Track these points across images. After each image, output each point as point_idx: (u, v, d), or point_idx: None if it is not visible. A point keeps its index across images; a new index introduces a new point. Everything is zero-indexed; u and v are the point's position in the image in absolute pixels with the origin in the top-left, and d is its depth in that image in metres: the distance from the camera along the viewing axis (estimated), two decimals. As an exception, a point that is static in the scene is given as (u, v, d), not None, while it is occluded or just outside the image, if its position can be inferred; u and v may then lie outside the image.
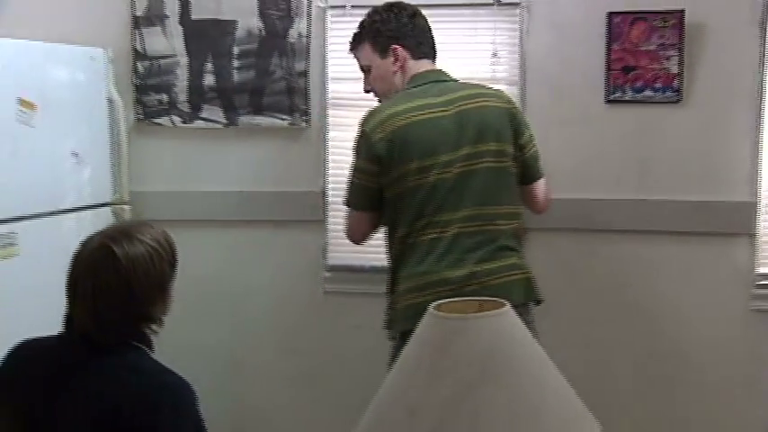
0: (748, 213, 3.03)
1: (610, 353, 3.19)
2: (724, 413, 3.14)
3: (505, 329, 1.64)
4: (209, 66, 3.36)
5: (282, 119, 3.33)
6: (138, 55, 3.40)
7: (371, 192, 2.62)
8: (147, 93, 3.41)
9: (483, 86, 2.75)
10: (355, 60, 3.19)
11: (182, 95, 3.39)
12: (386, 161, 2.53)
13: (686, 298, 3.12)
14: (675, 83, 3.01)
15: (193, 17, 3.36)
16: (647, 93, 3.04)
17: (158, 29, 3.38)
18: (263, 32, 3.31)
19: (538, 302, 2.67)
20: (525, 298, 2.61)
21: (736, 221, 3.04)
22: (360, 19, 3.18)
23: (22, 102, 2.80)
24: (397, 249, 2.61)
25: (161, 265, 1.78)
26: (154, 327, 1.82)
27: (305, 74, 3.30)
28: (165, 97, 3.41)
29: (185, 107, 3.39)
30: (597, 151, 3.13)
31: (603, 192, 3.13)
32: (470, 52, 3.13)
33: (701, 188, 3.06)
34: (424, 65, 2.67)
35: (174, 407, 1.71)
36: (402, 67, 2.66)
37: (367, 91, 2.78)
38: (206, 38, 3.36)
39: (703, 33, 3.00)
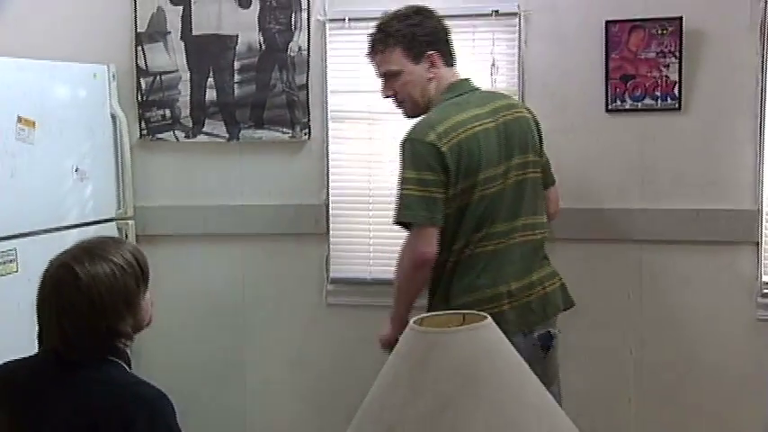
0: (751, 221, 2.99)
1: (613, 362, 3.17)
2: (730, 421, 3.10)
3: (485, 343, 1.62)
4: (210, 80, 3.38)
5: (284, 132, 3.34)
6: (141, 71, 3.42)
7: (438, 203, 2.44)
8: (150, 108, 3.44)
9: (506, 95, 2.74)
10: (354, 74, 3.24)
11: (184, 110, 3.41)
12: (453, 173, 2.42)
13: (690, 307, 3.09)
14: (675, 90, 2.99)
15: (194, 33, 3.38)
16: (647, 101, 3.02)
17: (160, 45, 3.41)
18: (264, 46, 3.33)
19: (570, 307, 2.69)
20: (566, 303, 2.66)
21: (740, 230, 3.00)
22: (360, 32, 3.21)
23: (22, 120, 2.83)
24: (453, 262, 2.50)
25: (126, 281, 1.79)
26: (125, 341, 1.82)
27: (305, 87, 3.31)
28: (167, 112, 3.43)
29: (188, 122, 3.41)
30: (598, 160, 3.11)
31: (605, 201, 3.11)
32: (469, 63, 3.11)
33: (703, 196, 3.03)
34: (454, 73, 2.63)
35: (149, 419, 1.71)
36: (436, 75, 2.58)
37: (387, 96, 2.66)
38: (207, 53, 3.38)
39: (702, 40, 2.97)
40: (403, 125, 3.17)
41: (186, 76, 3.39)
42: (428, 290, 2.55)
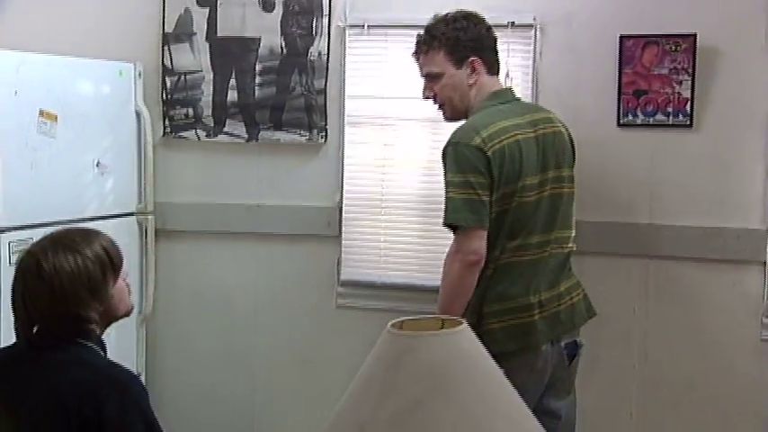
0: (759, 241, 2.98)
1: (616, 376, 3.17)
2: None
3: (458, 348, 1.65)
4: (232, 82, 3.46)
5: (301, 135, 3.40)
6: (167, 70, 3.51)
7: (485, 205, 2.45)
8: (174, 107, 3.52)
9: (545, 109, 2.77)
10: (372, 80, 3.30)
11: (206, 110, 3.49)
12: (497, 177, 2.44)
13: (695, 324, 3.08)
14: (687, 107, 2.99)
15: (219, 35, 3.46)
16: (659, 117, 3.02)
17: (186, 45, 3.49)
18: (285, 50, 3.39)
19: (593, 316, 2.74)
20: (590, 313, 2.72)
21: (747, 249, 2.99)
22: (378, 38, 3.28)
23: (44, 113, 2.92)
24: (491, 269, 2.51)
25: (90, 270, 1.86)
26: (92, 326, 1.89)
27: (323, 91, 3.36)
28: (190, 111, 3.51)
29: (209, 121, 3.49)
30: (608, 174, 3.11)
31: (614, 215, 3.12)
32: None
33: (712, 214, 3.02)
34: (496, 81, 2.67)
35: (120, 399, 1.78)
36: (477, 81, 2.61)
37: (426, 98, 2.69)
38: (230, 54, 3.45)
39: (716, 58, 2.97)
40: (418, 131, 3.26)
41: (209, 76, 3.47)
42: None
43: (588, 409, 3.13)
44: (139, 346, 3.50)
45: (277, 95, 3.41)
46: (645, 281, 3.11)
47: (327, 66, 3.35)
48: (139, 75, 3.44)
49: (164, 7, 3.48)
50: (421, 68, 2.67)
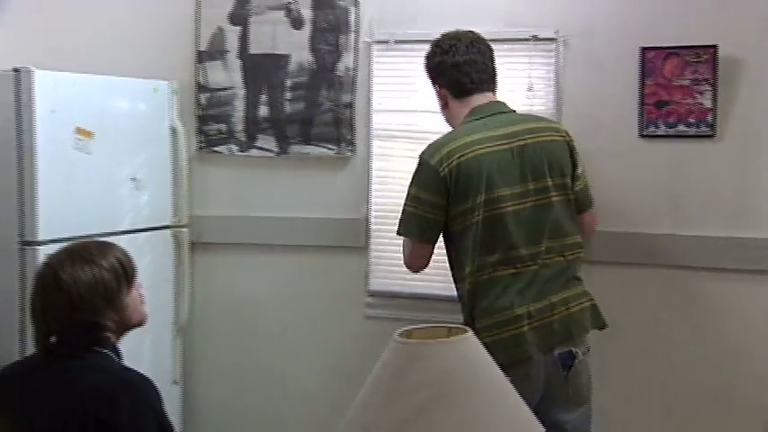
0: (783, 251, 2.97)
1: (642, 388, 3.17)
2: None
3: (462, 356, 1.69)
4: (263, 97, 3.55)
5: (330, 148, 3.47)
6: (201, 87, 3.61)
7: (429, 222, 2.65)
8: (208, 122, 3.62)
9: (542, 119, 2.84)
10: (398, 94, 3.37)
11: (239, 125, 3.58)
12: (452, 194, 2.58)
13: (719, 335, 3.07)
14: (709, 117, 2.99)
15: (251, 52, 3.55)
16: (681, 127, 3.03)
17: (219, 63, 3.59)
18: (314, 66, 3.47)
19: (602, 328, 2.73)
20: (595, 324, 2.72)
21: (770, 259, 2.98)
22: (403, 53, 3.35)
23: (80, 130, 3.04)
24: (470, 285, 2.62)
25: (106, 280, 1.95)
26: (108, 334, 1.97)
27: (351, 105, 3.44)
28: (223, 127, 3.61)
29: (242, 136, 3.58)
30: (631, 185, 3.13)
31: (636, 226, 3.13)
32: (507, 85, 3.18)
33: (735, 224, 3.01)
34: (477, 99, 2.73)
35: (134, 401, 1.86)
36: (446, 105, 2.78)
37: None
38: (262, 71, 3.54)
39: (737, 68, 2.97)
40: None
41: (242, 92, 3.57)
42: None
43: (613, 420, 3.15)
44: (175, 355, 3.59)
45: (306, 110, 3.49)
46: (668, 291, 3.11)
47: (355, 81, 3.43)
48: (174, 92, 3.55)
49: (198, 26, 3.59)
50: None
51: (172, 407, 3.49)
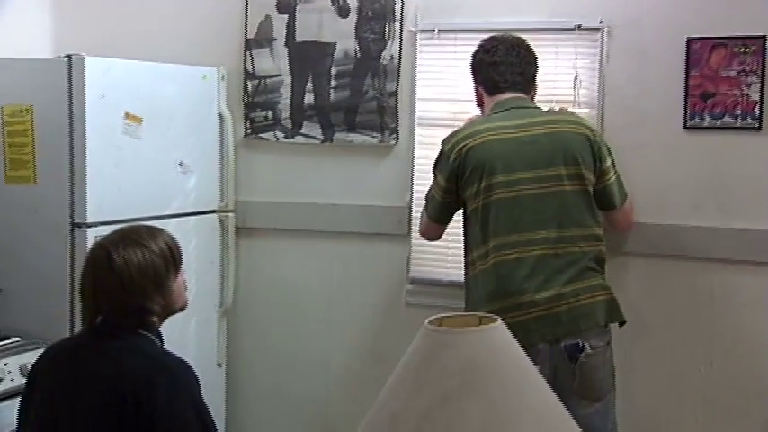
0: (829, 246, 2.92)
1: (683, 382, 3.15)
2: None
3: (490, 345, 1.70)
4: (309, 85, 3.58)
5: (373, 136, 3.50)
6: (248, 74, 3.66)
7: (440, 206, 2.88)
8: (255, 109, 3.67)
9: (566, 113, 2.90)
10: (441, 83, 3.39)
11: (284, 112, 3.62)
12: (460, 180, 2.75)
13: (762, 329, 3.03)
14: (756, 110, 2.95)
15: (297, 40, 3.59)
16: (727, 119, 2.99)
17: (266, 50, 3.64)
18: (359, 54, 3.50)
19: (621, 323, 2.75)
20: (609, 318, 2.72)
21: (816, 253, 2.94)
22: (447, 43, 3.36)
23: (128, 116, 3.11)
24: (476, 269, 2.74)
25: (156, 264, 2.00)
26: (154, 318, 2.03)
27: (395, 94, 3.46)
28: (270, 114, 3.66)
29: (287, 123, 3.63)
30: (675, 177, 3.10)
31: (680, 218, 3.10)
32: (552, 75, 3.18)
33: (780, 217, 2.98)
34: (505, 96, 2.85)
35: (171, 385, 1.91)
36: (480, 102, 2.94)
37: None
38: (308, 59, 3.57)
39: (785, 60, 2.93)
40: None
41: (288, 80, 3.61)
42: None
43: (653, 411, 3.14)
44: (220, 338, 3.66)
45: (351, 98, 3.52)
46: (710, 285, 3.08)
47: (399, 69, 3.45)
48: (222, 78, 3.61)
49: (246, 14, 3.63)
50: None
51: (216, 389, 3.58)
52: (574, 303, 2.63)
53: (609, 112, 3.14)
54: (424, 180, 3.42)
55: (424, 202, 3.36)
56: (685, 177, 3.09)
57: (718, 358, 3.10)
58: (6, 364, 2.77)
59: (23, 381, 2.66)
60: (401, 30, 3.43)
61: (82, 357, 2.00)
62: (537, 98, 2.98)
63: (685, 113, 3.04)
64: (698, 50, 3.00)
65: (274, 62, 3.63)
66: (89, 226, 3.01)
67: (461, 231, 3.29)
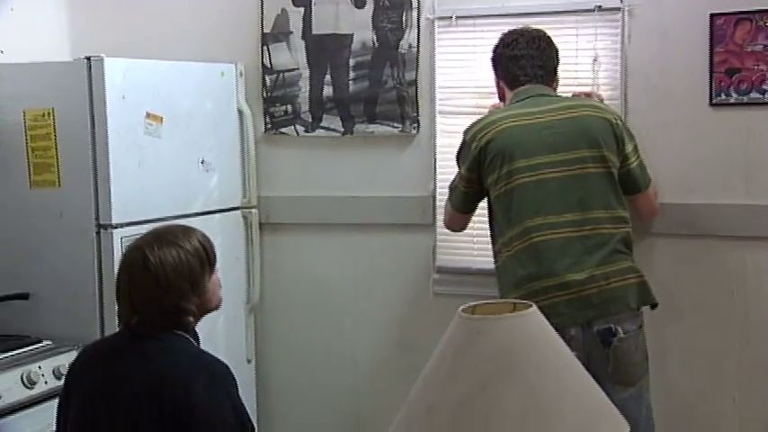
0: None
1: (714, 361, 3.12)
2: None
3: (525, 331, 1.69)
4: (327, 77, 3.56)
5: (394, 126, 3.48)
6: (266, 69, 3.64)
7: (464, 196, 2.89)
8: (274, 104, 3.66)
9: (587, 100, 2.90)
10: (461, 70, 3.36)
11: (304, 106, 3.61)
12: (482, 168, 2.76)
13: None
14: (783, 84, 2.91)
15: (314, 32, 3.57)
16: (754, 95, 2.95)
17: (284, 44, 3.62)
18: (377, 44, 3.48)
19: (653, 306, 2.72)
20: (641, 302, 2.70)
21: None
22: (466, 29, 3.34)
23: (150, 115, 3.11)
24: (503, 256, 2.74)
25: (191, 264, 1.99)
26: (190, 318, 2.02)
27: (414, 83, 3.43)
28: (289, 108, 3.64)
29: (307, 117, 3.61)
30: (702, 155, 3.06)
31: (709, 197, 3.06)
32: (572, 58, 3.14)
33: (811, 193, 2.94)
34: (526, 86, 2.85)
35: (209, 383, 1.90)
36: (502, 96, 2.94)
37: None
38: (325, 51, 3.56)
39: (812, 32, 2.88)
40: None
41: (306, 73, 3.59)
42: None
43: (689, 393, 3.12)
44: (248, 334, 3.66)
45: (370, 89, 3.50)
46: (743, 263, 3.04)
47: (418, 58, 3.42)
48: (240, 74, 3.60)
49: (262, 9, 3.62)
50: None
51: (246, 385, 3.57)
52: (605, 287, 2.61)
53: (632, 93, 3.10)
54: (447, 169, 3.41)
55: (447, 191, 3.35)
56: (713, 155, 3.05)
57: (754, 337, 3.06)
58: (40, 368, 2.78)
59: (57, 383, 2.68)
60: (419, 17, 3.40)
61: (118, 359, 2.00)
62: (560, 81, 2.96)
63: (711, 90, 3.00)
64: (722, 26, 2.96)
65: (292, 56, 3.61)
66: (115, 227, 3.01)
67: (486, 218, 3.29)
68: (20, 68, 3.16)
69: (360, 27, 3.50)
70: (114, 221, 3.01)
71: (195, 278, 2.00)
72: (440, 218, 3.44)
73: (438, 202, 3.43)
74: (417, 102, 3.43)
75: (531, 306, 1.73)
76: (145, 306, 1.99)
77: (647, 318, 2.79)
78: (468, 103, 3.36)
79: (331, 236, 3.62)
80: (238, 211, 3.60)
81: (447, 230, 3.43)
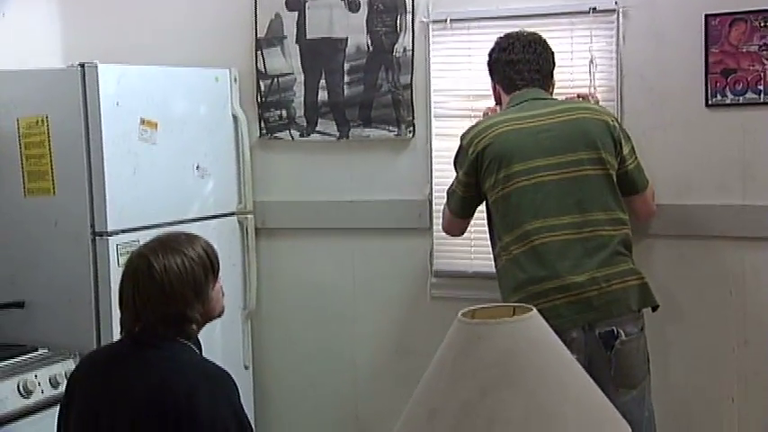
0: None
1: (715, 361, 3.11)
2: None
3: (528, 335, 1.68)
4: (322, 82, 3.55)
5: (389, 130, 3.47)
6: (261, 74, 3.63)
7: (462, 200, 2.88)
8: (269, 109, 3.65)
9: (584, 102, 2.91)
10: (456, 73, 3.36)
11: (299, 111, 3.59)
12: (479, 173, 2.76)
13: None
14: (779, 84, 2.91)
15: (308, 37, 3.56)
16: (750, 95, 2.95)
17: (278, 49, 3.61)
18: (371, 48, 3.47)
19: (654, 308, 2.72)
20: (642, 303, 2.70)
21: None
22: (460, 32, 3.33)
23: (144, 122, 3.10)
24: (505, 257, 2.73)
25: (195, 271, 1.98)
26: (194, 326, 2.00)
27: (410, 86, 3.42)
28: (284, 113, 3.63)
29: (302, 122, 3.60)
30: (698, 156, 3.06)
31: (705, 197, 3.06)
32: (568, 61, 3.14)
33: (807, 193, 2.94)
34: (522, 90, 2.85)
35: (211, 392, 1.89)
36: (499, 101, 2.94)
37: None
38: (320, 56, 3.55)
39: (808, 32, 2.89)
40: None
41: (301, 78, 3.58)
42: None
43: (688, 393, 3.11)
44: (245, 340, 3.65)
45: (365, 93, 3.49)
46: (740, 263, 3.04)
47: (413, 61, 3.41)
48: (235, 80, 3.59)
49: (255, 13, 3.61)
50: None
51: (243, 391, 3.51)
52: (605, 289, 2.61)
53: (628, 95, 3.10)
54: (443, 172, 3.40)
55: (444, 194, 3.34)
56: (709, 156, 3.05)
57: (753, 336, 3.06)
58: (36, 377, 2.76)
59: (54, 392, 2.67)
60: (413, 21, 3.40)
61: (121, 367, 1.99)
62: (555, 84, 2.96)
63: (707, 91, 3.00)
64: (717, 26, 2.96)
65: (286, 60, 3.60)
66: (110, 234, 3.00)
67: (485, 221, 3.28)
68: (13, 76, 3.15)
69: (354, 31, 3.49)
70: (109, 228, 3.00)
71: (199, 286, 2.00)
72: (436, 221, 3.43)
73: (435, 206, 3.42)
74: (413, 105, 3.42)
75: (530, 309, 1.72)
76: (149, 314, 1.97)
77: (646, 319, 2.79)
78: (463, 106, 3.35)
79: (327, 240, 3.61)
80: (234, 217, 3.59)
81: (444, 234, 3.43)
